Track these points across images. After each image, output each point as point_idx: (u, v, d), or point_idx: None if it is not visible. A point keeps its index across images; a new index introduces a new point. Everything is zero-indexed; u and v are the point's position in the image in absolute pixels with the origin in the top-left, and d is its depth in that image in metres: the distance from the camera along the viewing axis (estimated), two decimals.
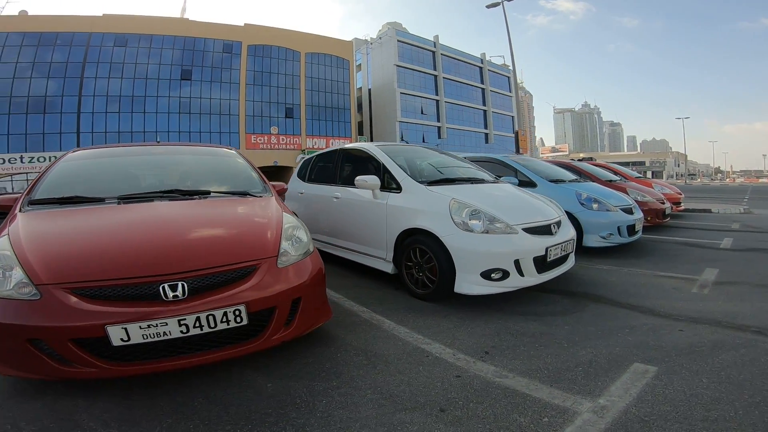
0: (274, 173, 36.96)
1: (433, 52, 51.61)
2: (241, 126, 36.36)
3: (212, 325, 2.10)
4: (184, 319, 2.03)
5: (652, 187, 10.92)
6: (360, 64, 51.69)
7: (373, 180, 4.18)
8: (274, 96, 38.06)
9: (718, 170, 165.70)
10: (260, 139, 37.16)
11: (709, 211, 12.44)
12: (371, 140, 49.55)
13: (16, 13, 30.78)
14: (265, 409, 2.04)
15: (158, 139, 4.93)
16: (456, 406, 2.06)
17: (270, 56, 37.88)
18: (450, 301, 3.70)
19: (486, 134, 59.70)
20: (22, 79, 28.80)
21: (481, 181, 4.62)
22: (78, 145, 30.03)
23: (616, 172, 12.13)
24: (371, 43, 50.34)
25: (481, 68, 58.91)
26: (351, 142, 42.69)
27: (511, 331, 3.07)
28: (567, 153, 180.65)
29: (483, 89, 59.08)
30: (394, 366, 2.52)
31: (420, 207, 3.84)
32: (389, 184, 4.25)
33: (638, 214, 6.51)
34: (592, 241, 5.97)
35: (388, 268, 4.21)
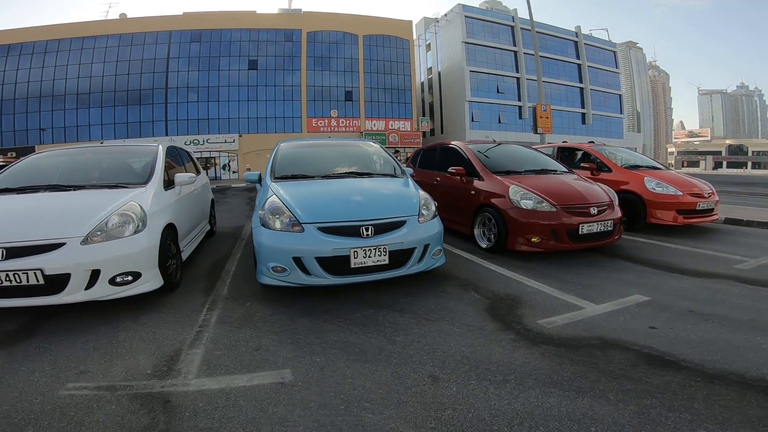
0: None
1: (512, 27, 43.81)
2: (303, 110, 35.36)
3: None
4: None
5: (642, 182, 5.95)
6: (429, 44, 46.69)
7: None
8: (333, 80, 36.02)
9: None
10: (321, 123, 35.76)
11: None
12: (441, 122, 44.86)
13: (117, 17, 34.61)
14: None
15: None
16: None
17: (329, 41, 35.80)
18: None
19: (583, 114, 49.57)
20: (122, 76, 32.17)
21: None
22: (166, 132, 32.63)
23: (597, 158, 6.88)
24: (439, 22, 44.81)
25: (576, 42, 48.37)
26: (412, 123, 38.96)
27: None
28: (709, 139, 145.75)
29: (579, 65, 48.73)
30: None
31: None
32: None
33: (385, 238, 3.15)
34: (263, 275, 3.20)
35: None
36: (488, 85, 41.44)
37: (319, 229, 3.06)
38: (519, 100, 43.95)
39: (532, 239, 4.10)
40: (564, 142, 12.75)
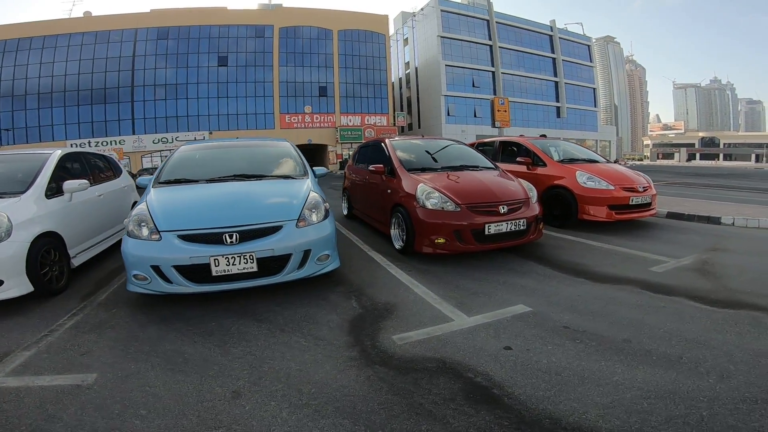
0: (310, 152, 34.98)
1: (487, 21, 43.76)
2: (275, 107, 34.62)
3: None
4: None
5: (574, 176, 5.74)
6: (407, 38, 46.29)
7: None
8: (307, 76, 35.32)
9: None
10: (294, 119, 35.09)
11: (717, 221, 6.29)
12: (418, 116, 44.67)
13: (81, 14, 33.26)
14: None
15: None
16: None
17: (302, 37, 35.06)
18: None
19: (558, 107, 49.99)
20: (86, 74, 30.97)
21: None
22: (133, 131, 31.66)
23: (533, 152, 6.60)
24: (415, 16, 44.47)
25: (550, 36, 48.68)
26: (388, 118, 38.63)
27: None
28: (683, 131, 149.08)
29: (554, 59, 49.07)
30: None
31: None
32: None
33: (252, 245, 2.96)
34: (129, 283, 3.12)
35: None
36: (464, 79, 41.33)
37: (180, 236, 2.92)
38: (495, 93, 43.96)
39: (437, 241, 3.86)
40: (521, 135, 12.56)
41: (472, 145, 8.58)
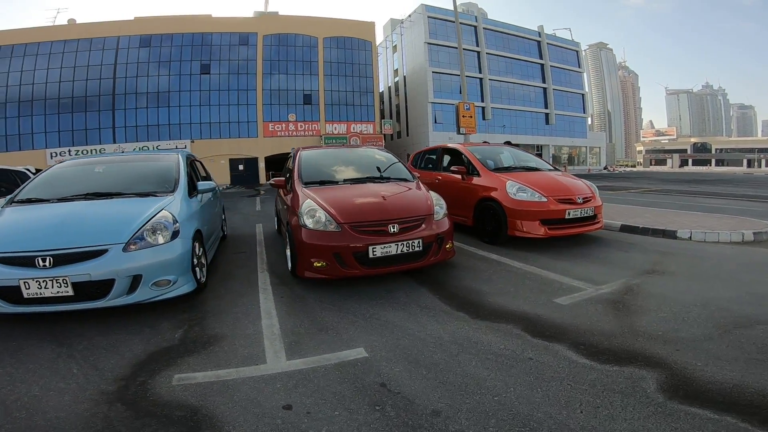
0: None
1: (475, 27, 43.75)
2: (259, 115, 34.25)
3: None
4: None
5: (504, 187, 5.31)
6: (396, 45, 46.20)
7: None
8: (291, 83, 34.99)
9: None
10: (278, 127, 34.72)
11: (673, 235, 5.84)
12: (407, 124, 44.47)
13: (66, 22, 33.02)
14: None
15: None
16: None
17: (287, 44, 34.80)
18: None
19: (546, 114, 49.88)
20: (67, 82, 30.64)
21: None
22: (114, 139, 31.32)
23: (468, 160, 6.22)
24: (403, 23, 44.40)
25: (539, 42, 48.72)
26: (374, 126, 38.36)
27: None
28: (675, 137, 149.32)
29: (542, 65, 49.08)
30: None
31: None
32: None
33: (67, 269, 2.75)
34: None
35: None
36: (451, 86, 41.09)
37: None
38: (482, 100, 43.81)
39: (316, 264, 3.45)
40: (484, 142, 12.24)
41: (419, 153, 8.27)
